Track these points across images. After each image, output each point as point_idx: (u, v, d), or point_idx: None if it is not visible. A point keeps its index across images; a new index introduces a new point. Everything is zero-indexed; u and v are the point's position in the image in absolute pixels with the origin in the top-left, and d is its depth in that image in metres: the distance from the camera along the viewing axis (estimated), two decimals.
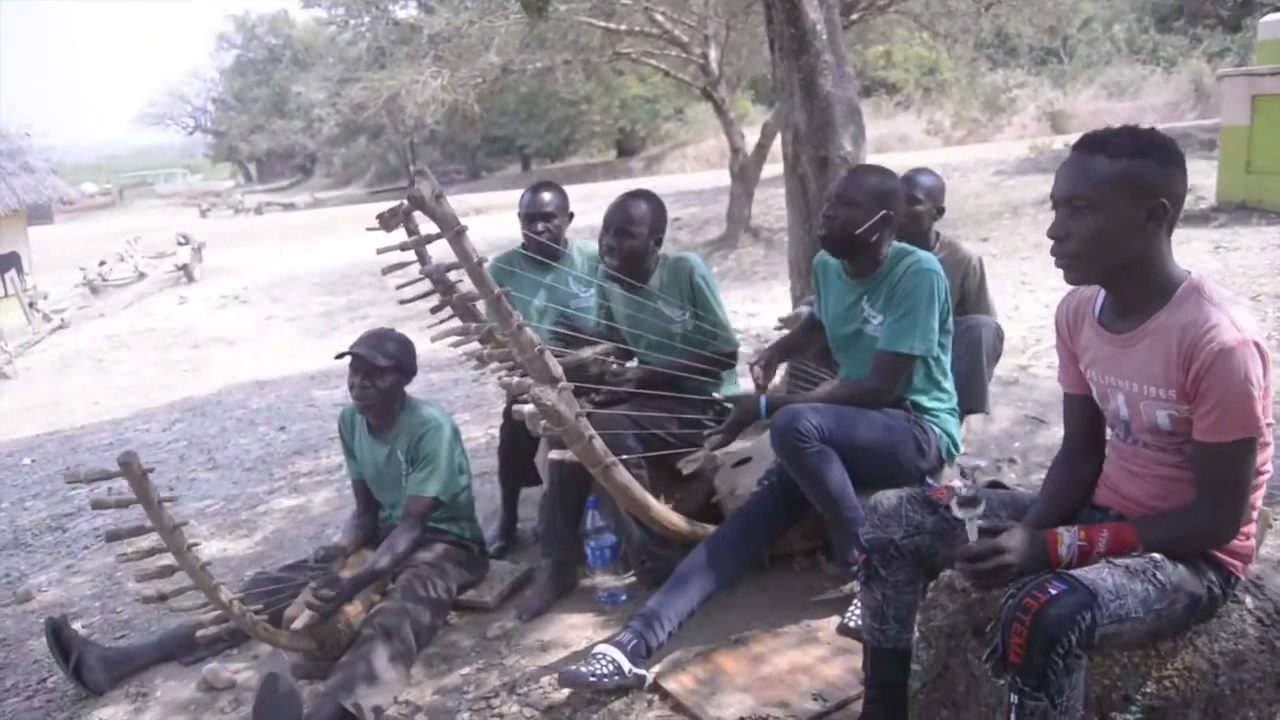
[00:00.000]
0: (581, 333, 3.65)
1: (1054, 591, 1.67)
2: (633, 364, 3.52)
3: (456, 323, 2.94)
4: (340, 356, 3.25)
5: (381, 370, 3.20)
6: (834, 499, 2.75)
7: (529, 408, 2.35)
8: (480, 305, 3.04)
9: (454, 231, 2.20)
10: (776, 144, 16.98)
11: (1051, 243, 1.90)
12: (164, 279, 18.82)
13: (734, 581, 2.96)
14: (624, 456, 2.84)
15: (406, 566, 3.17)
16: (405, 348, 3.31)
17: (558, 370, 2.37)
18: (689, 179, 25.97)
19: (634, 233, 3.28)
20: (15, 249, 17.11)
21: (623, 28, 14.18)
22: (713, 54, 14.95)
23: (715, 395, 3.39)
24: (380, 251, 2.76)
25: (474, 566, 3.40)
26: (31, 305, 15.48)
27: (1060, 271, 1.92)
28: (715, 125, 29.95)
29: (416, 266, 3.04)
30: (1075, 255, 1.87)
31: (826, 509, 2.79)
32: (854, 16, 12.77)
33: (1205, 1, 22.66)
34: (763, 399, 2.94)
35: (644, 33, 14.49)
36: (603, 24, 13.80)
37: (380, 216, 2.32)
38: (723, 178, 17.71)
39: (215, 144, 58.78)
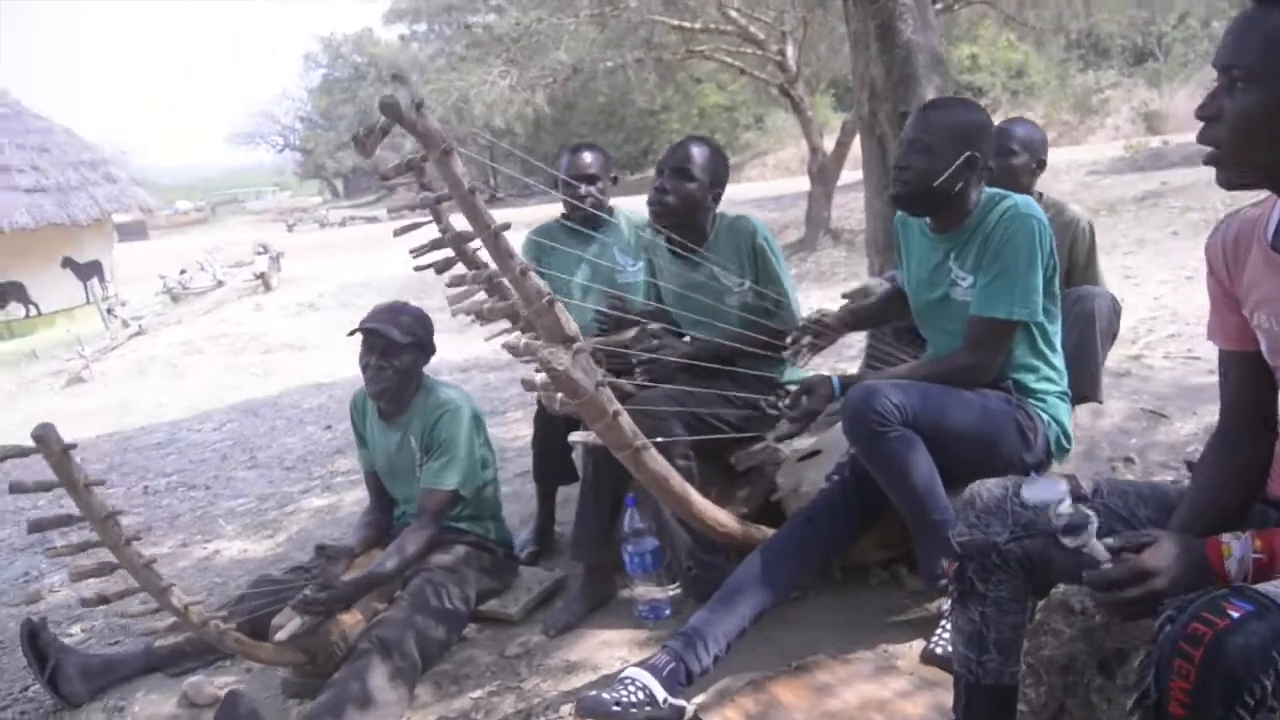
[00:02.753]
0: (628, 313, 3.21)
1: (1236, 615, 1.17)
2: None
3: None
4: (353, 333, 2.88)
5: (400, 348, 2.81)
6: (919, 496, 2.25)
7: (540, 376, 1.92)
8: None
9: (440, 151, 1.79)
10: (855, 147, 16.43)
11: None
12: (242, 287, 18.97)
13: (795, 595, 2.49)
14: (660, 439, 2.37)
15: (420, 570, 2.77)
16: (423, 323, 2.92)
17: (572, 328, 1.92)
18: (768, 186, 25.48)
19: (693, 174, 2.84)
20: (99, 257, 17.43)
21: (697, 25, 13.78)
22: (790, 51, 14.46)
23: (775, 378, 2.92)
24: (391, 211, 2.40)
25: (498, 572, 2.98)
26: (110, 311, 15.68)
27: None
28: (794, 134, 29.39)
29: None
30: (1218, 143, 1.37)
31: (909, 508, 2.29)
32: (938, 7, 12.17)
33: None
34: (835, 378, 2.44)
35: (718, 30, 14.07)
36: (676, 21, 13.42)
37: (355, 139, 1.93)
38: (802, 184, 17.18)
39: (303, 161, 60.05)
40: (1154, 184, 13.25)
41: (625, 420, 2.01)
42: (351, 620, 2.62)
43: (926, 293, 2.53)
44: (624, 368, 2.92)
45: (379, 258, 21.68)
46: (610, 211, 3.48)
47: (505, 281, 1.93)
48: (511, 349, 1.97)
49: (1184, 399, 3.69)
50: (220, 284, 19.40)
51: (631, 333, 2.96)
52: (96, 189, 16.57)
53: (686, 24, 13.54)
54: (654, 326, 3.01)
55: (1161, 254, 8.31)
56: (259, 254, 20.12)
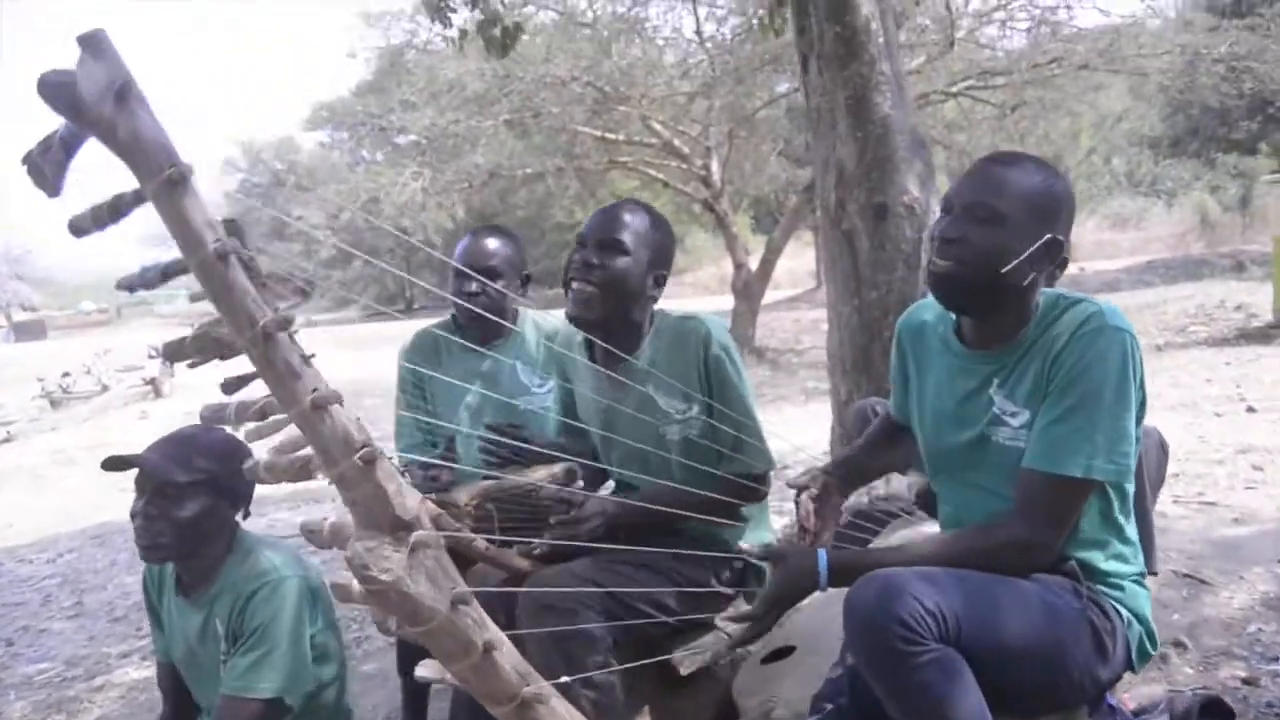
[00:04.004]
0: (532, 444, 2.40)
1: None
2: (606, 491, 2.29)
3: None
4: (116, 467, 2.00)
5: (181, 491, 1.94)
6: None
7: (355, 585, 1.10)
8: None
9: (161, 181, 0.99)
10: (779, 266, 16.23)
11: None
12: (129, 394, 17.70)
13: None
14: (574, 676, 1.54)
15: None
16: (227, 457, 2.03)
17: (409, 505, 1.09)
18: (687, 304, 25.16)
19: (625, 247, 2.09)
20: None
21: (620, 137, 13.45)
22: (714, 166, 14.20)
23: (735, 546, 2.14)
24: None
25: None
26: None
27: None
28: (713, 254, 29.37)
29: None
30: None
31: None
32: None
33: (1219, 126, 22.20)
34: (821, 556, 1.66)
35: (642, 143, 13.77)
36: (598, 133, 13.05)
37: (27, 160, 1.10)
38: (721, 303, 16.80)
39: None
40: None
41: (506, 657, 1.18)
42: None
43: (952, 433, 1.80)
44: (522, 524, 2.12)
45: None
46: (515, 316, 2.71)
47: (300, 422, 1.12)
48: (310, 533, 1.16)
49: (1220, 558, 3.01)
50: (105, 389, 18.13)
51: (540, 473, 2.17)
52: None
53: (610, 135, 13.19)
54: (564, 465, 2.21)
55: None
56: (151, 358, 18.89)
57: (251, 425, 1.49)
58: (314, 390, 1.06)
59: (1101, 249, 25.58)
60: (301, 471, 1.14)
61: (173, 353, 1.21)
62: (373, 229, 11.64)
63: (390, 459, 1.84)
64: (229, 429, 1.27)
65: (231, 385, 1.54)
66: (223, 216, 1.31)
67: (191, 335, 1.18)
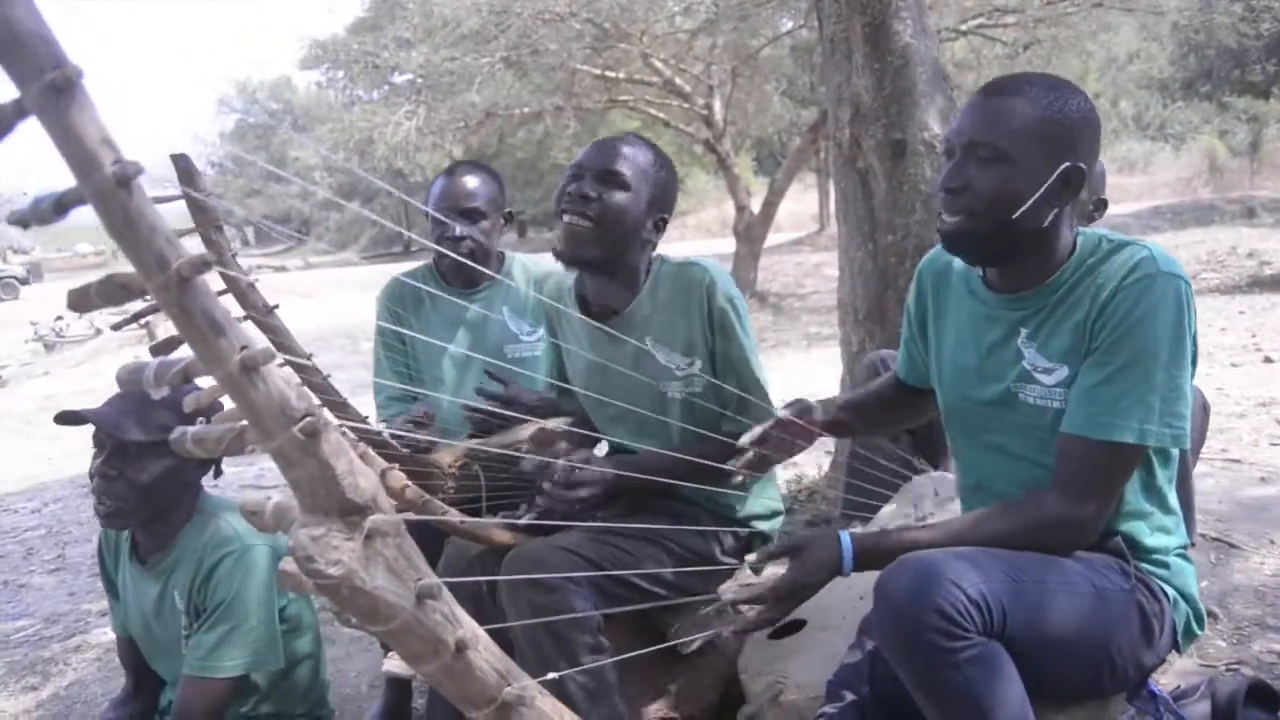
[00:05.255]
0: (520, 400, 2.22)
1: None
2: (600, 451, 2.12)
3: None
4: (69, 422, 1.84)
5: (140, 450, 1.78)
6: None
7: (289, 565, 0.94)
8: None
9: None
10: (782, 209, 15.96)
11: None
12: (122, 337, 17.50)
13: None
14: (563, 669, 1.39)
15: None
16: (192, 413, 1.87)
17: (360, 482, 0.91)
18: (689, 246, 24.91)
19: (626, 180, 1.86)
20: None
21: (620, 75, 13.10)
22: (716, 105, 13.88)
23: (733, 509, 1.98)
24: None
25: None
26: None
27: None
28: (715, 196, 28.98)
29: None
30: None
31: None
32: None
33: (1233, 68, 21.75)
34: (845, 540, 1.49)
35: (643, 81, 13.42)
36: (598, 72, 12.69)
37: None
38: (722, 245, 16.56)
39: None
40: None
41: (483, 655, 1.01)
42: None
43: (974, 389, 1.61)
44: (512, 487, 1.96)
45: (285, 308, 20.31)
46: (501, 260, 2.53)
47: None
48: (252, 514, 0.99)
49: (1249, 520, 2.86)
50: (99, 332, 17.96)
51: (533, 428, 1.99)
52: None
53: (610, 73, 12.84)
54: (554, 421, 2.04)
55: None
56: (145, 300, 18.68)
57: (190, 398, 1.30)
58: (242, 348, 0.87)
59: (1108, 193, 25.28)
60: (235, 443, 0.96)
61: (77, 302, 1.02)
62: (370, 169, 11.34)
63: (371, 420, 1.65)
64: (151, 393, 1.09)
65: (161, 348, 1.35)
66: (220, 155, 1.14)
67: (97, 282, 0.99)
